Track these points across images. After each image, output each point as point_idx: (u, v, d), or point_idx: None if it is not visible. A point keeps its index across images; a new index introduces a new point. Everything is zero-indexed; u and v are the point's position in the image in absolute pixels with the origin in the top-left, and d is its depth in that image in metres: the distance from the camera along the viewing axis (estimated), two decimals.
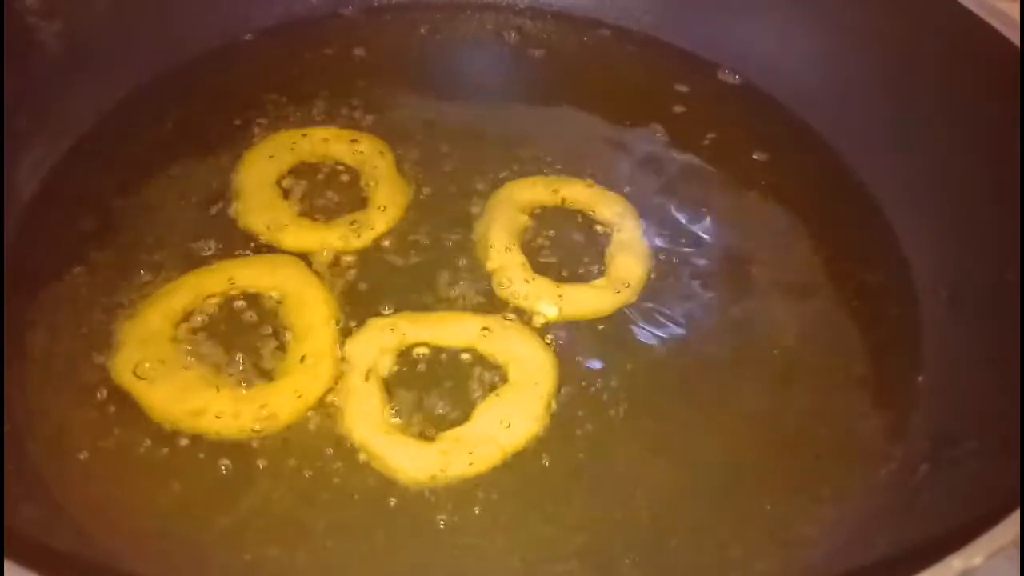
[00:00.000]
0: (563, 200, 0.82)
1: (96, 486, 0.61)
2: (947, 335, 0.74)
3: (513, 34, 1.00)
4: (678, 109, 0.93)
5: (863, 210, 0.85)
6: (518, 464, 0.64)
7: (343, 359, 0.67)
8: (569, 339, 0.71)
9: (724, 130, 0.91)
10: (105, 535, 0.58)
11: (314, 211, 0.79)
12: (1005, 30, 0.74)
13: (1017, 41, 0.73)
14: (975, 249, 0.75)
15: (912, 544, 0.49)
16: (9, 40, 0.74)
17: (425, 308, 0.72)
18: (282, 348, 0.68)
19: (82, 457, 0.62)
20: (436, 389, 0.67)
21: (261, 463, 0.62)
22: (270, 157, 0.82)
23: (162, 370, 0.65)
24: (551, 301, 0.73)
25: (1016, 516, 0.41)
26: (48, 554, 0.39)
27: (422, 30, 0.99)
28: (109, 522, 0.59)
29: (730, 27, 0.97)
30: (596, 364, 0.70)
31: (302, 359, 0.67)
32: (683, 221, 0.82)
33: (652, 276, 0.77)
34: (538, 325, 0.72)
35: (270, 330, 0.69)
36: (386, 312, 0.71)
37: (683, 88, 0.95)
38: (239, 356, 0.67)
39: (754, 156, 0.89)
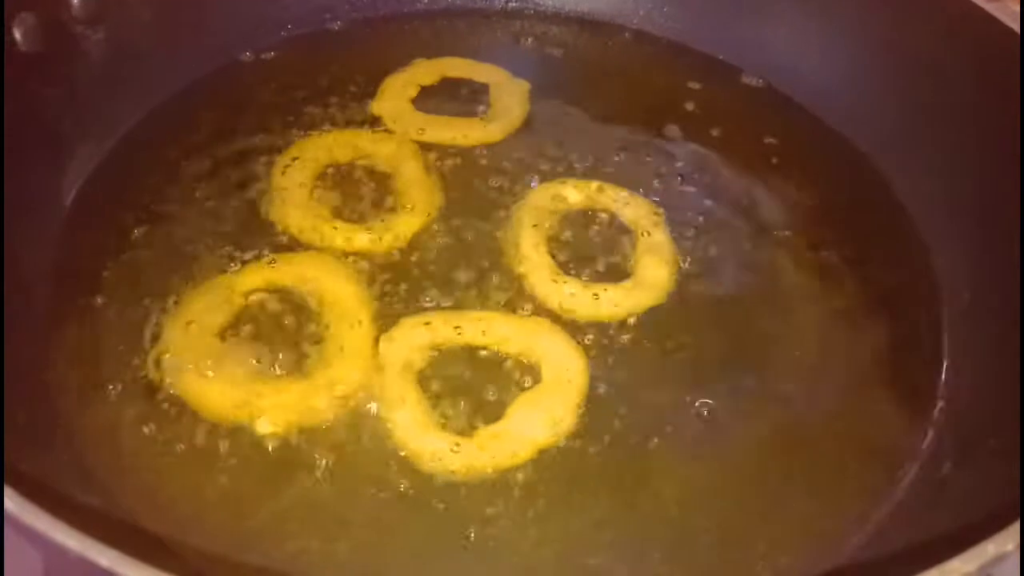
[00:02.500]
0: (591, 202, 0.83)
1: (145, 478, 0.63)
2: (969, 335, 0.75)
3: (538, 40, 1.02)
4: (702, 112, 0.94)
5: (887, 211, 0.87)
6: (550, 460, 0.66)
7: (379, 356, 0.69)
8: (598, 338, 0.73)
9: (748, 132, 0.93)
10: (155, 524, 0.60)
11: (347, 212, 0.81)
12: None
13: None
14: (997, 250, 0.77)
15: (934, 538, 0.50)
16: (57, 48, 0.77)
17: (457, 307, 0.74)
18: (320, 345, 0.70)
19: (130, 451, 0.64)
20: (470, 386, 0.69)
21: (301, 457, 0.64)
22: (304, 159, 0.84)
23: (204, 366, 0.67)
24: (580, 301, 0.75)
25: None
26: (110, 536, 0.41)
27: (449, 36, 1.01)
28: (158, 512, 0.61)
29: (752, 32, 0.99)
30: (625, 365, 0.72)
31: (339, 356, 0.69)
32: (708, 223, 0.84)
33: (678, 277, 0.78)
34: (568, 325, 0.73)
35: (308, 327, 0.71)
36: (420, 310, 0.73)
37: (707, 91, 0.97)
38: (278, 352, 0.69)
39: (777, 159, 0.90)
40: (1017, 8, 0.77)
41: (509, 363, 0.71)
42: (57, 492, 0.48)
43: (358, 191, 0.83)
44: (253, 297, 0.73)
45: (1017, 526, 0.41)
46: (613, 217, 0.83)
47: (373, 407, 0.67)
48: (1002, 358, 0.71)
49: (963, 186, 0.82)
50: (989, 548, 0.39)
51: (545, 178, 0.85)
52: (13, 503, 0.42)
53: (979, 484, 0.60)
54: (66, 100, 0.80)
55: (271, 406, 0.66)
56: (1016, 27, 0.75)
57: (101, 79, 0.83)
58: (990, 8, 0.79)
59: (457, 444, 0.65)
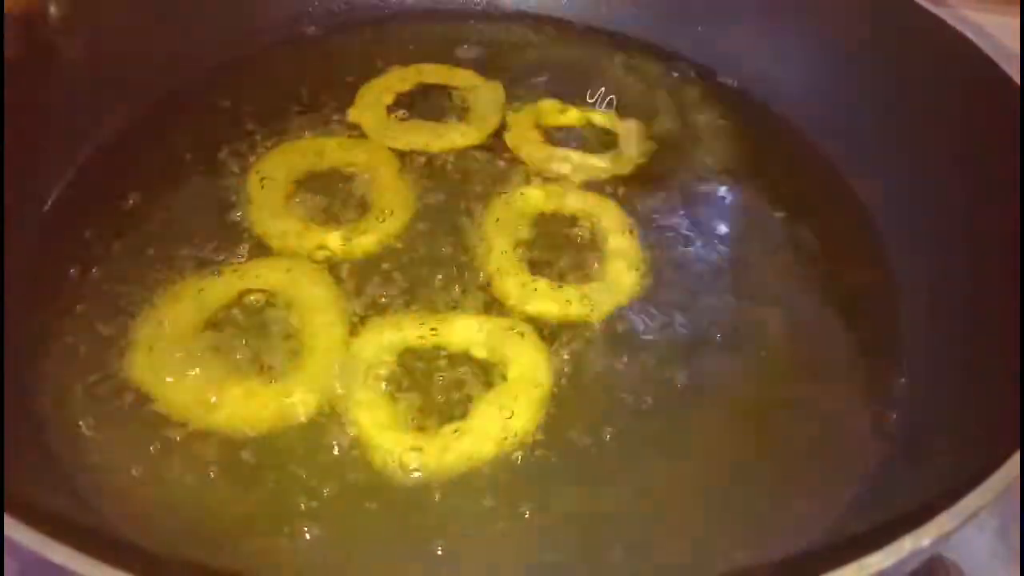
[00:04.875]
0: (560, 206, 0.85)
1: (114, 478, 0.64)
2: (926, 337, 0.77)
3: (513, 44, 1.04)
4: (674, 114, 0.96)
5: (850, 214, 0.89)
6: (514, 458, 0.67)
7: (349, 358, 0.71)
8: (565, 339, 0.75)
9: (716, 134, 0.95)
10: (124, 524, 0.61)
11: (321, 217, 0.83)
12: (981, 42, 0.78)
13: (994, 54, 0.77)
14: (955, 255, 0.78)
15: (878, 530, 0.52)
16: (35, 57, 0.78)
17: (427, 309, 0.75)
18: (291, 347, 0.72)
19: (100, 451, 0.65)
20: (436, 386, 0.70)
21: (269, 457, 0.66)
22: (279, 165, 0.86)
23: (177, 367, 0.69)
24: (548, 302, 0.76)
25: (960, 505, 0.45)
26: (76, 536, 0.42)
27: (425, 41, 1.03)
28: (127, 511, 0.62)
29: (725, 35, 1.02)
30: (590, 365, 0.73)
31: (310, 358, 0.70)
32: (674, 226, 0.85)
33: (645, 279, 0.80)
34: (535, 325, 0.75)
35: (279, 330, 0.73)
36: (390, 313, 0.75)
37: (679, 93, 0.99)
38: (250, 355, 0.71)
39: (745, 161, 0.92)
40: (970, 14, 0.80)
41: (475, 363, 0.72)
42: (23, 493, 0.49)
43: (333, 196, 0.85)
44: (227, 301, 0.74)
45: (933, 524, 0.43)
46: (581, 220, 0.84)
47: (342, 407, 0.69)
48: (957, 359, 0.73)
49: (924, 189, 0.84)
50: (906, 544, 0.41)
51: (517, 181, 0.87)
52: None
53: (924, 480, 0.62)
54: (44, 108, 0.81)
55: (242, 407, 0.67)
56: (974, 38, 0.78)
57: (79, 87, 0.84)
58: (948, 18, 0.81)
59: (422, 443, 0.66)
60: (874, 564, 0.41)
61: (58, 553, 0.40)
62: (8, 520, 0.42)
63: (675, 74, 1.02)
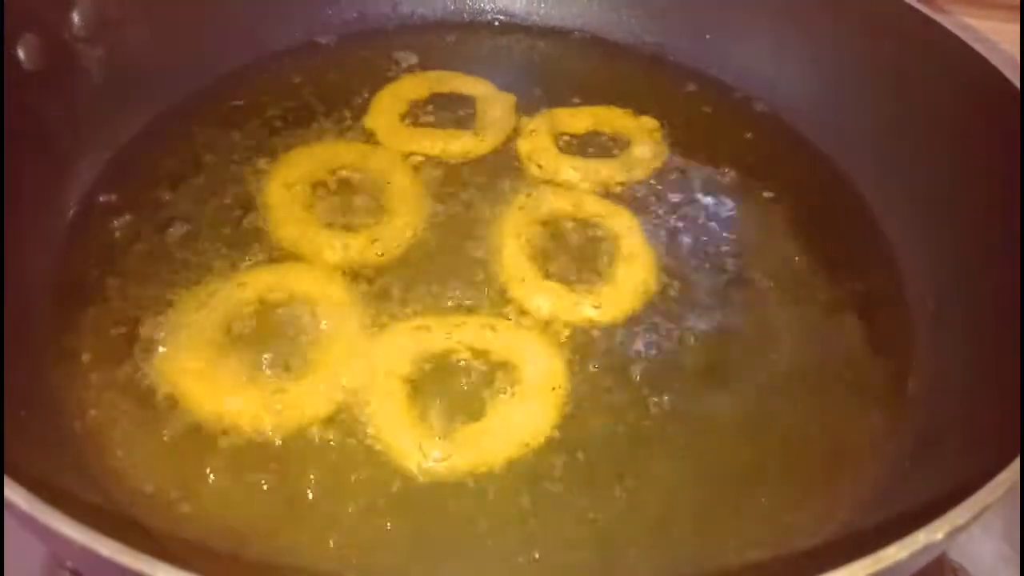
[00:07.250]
0: (573, 212, 0.87)
1: (141, 478, 0.65)
2: (934, 341, 0.78)
3: (525, 54, 1.06)
4: (680, 122, 0.98)
5: (859, 221, 0.90)
6: (530, 460, 0.68)
7: (367, 360, 0.72)
8: (579, 343, 0.76)
9: (723, 142, 0.96)
10: (149, 520, 0.63)
11: (337, 222, 0.84)
12: (987, 53, 0.80)
13: (998, 63, 0.79)
14: (963, 258, 0.80)
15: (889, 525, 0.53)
16: (57, 66, 0.80)
17: (442, 313, 0.77)
18: (310, 349, 0.73)
19: (127, 451, 0.67)
20: (453, 389, 0.72)
21: (291, 456, 0.67)
22: (295, 172, 0.87)
23: (199, 370, 0.70)
24: (561, 306, 0.78)
25: (974, 499, 0.46)
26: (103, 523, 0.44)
27: (437, 50, 1.05)
28: (152, 509, 0.63)
29: (730, 45, 1.03)
30: (604, 367, 0.75)
31: (328, 360, 0.72)
32: (685, 231, 0.87)
33: (656, 285, 0.81)
34: (549, 328, 0.76)
35: (298, 333, 0.74)
36: (407, 317, 0.76)
37: (686, 101, 1.01)
38: (272, 356, 0.72)
39: (752, 168, 0.94)
40: (971, 21, 0.82)
41: (491, 366, 0.73)
42: (59, 489, 0.50)
43: (348, 202, 0.86)
44: (247, 304, 0.75)
45: (946, 518, 0.44)
46: (593, 224, 0.86)
47: (360, 409, 0.70)
48: (965, 359, 0.74)
49: (931, 194, 0.85)
50: (920, 537, 0.43)
51: (530, 188, 0.88)
52: (23, 500, 0.44)
53: (934, 480, 0.63)
54: (67, 115, 0.83)
55: (263, 408, 0.68)
56: (971, 42, 0.79)
57: (100, 94, 0.86)
58: (946, 23, 0.83)
59: (440, 444, 0.67)
60: (889, 557, 0.42)
61: (100, 544, 0.41)
62: (53, 513, 0.44)
63: (685, 84, 1.03)
